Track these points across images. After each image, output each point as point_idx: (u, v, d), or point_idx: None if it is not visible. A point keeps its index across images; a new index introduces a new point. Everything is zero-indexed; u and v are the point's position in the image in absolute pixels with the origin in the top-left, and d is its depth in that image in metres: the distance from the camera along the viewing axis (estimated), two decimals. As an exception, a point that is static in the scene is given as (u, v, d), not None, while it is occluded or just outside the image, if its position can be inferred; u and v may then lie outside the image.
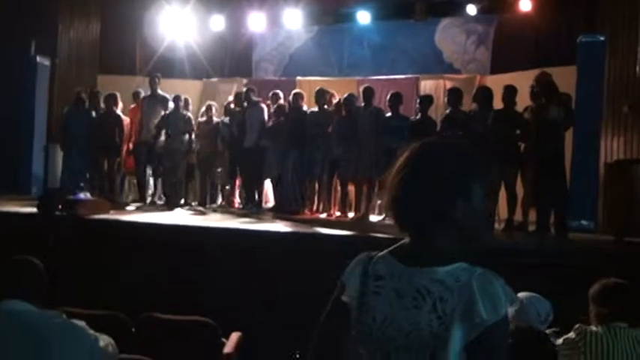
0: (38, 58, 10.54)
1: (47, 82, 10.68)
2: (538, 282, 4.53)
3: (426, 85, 10.77)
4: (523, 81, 7.43)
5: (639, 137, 7.82)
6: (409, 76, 11.21)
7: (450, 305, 1.52)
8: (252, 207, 8.77)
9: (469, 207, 1.59)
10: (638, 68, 7.91)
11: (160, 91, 9.48)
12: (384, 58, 11.99)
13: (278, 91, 9.16)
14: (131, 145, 9.61)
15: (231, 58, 13.12)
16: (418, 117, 7.80)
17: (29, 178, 9.87)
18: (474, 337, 1.49)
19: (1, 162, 9.81)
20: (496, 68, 11.03)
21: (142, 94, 9.73)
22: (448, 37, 11.71)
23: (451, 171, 1.60)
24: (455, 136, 6.88)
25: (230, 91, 11.47)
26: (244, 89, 9.50)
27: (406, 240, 1.66)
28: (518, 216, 7.05)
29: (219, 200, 9.74)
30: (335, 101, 8.54)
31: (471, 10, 10.85)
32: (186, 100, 9.67)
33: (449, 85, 10.52)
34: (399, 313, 1.57)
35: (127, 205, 9.06)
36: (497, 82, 8.43)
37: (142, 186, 9.60)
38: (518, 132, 6.94)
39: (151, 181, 9.81)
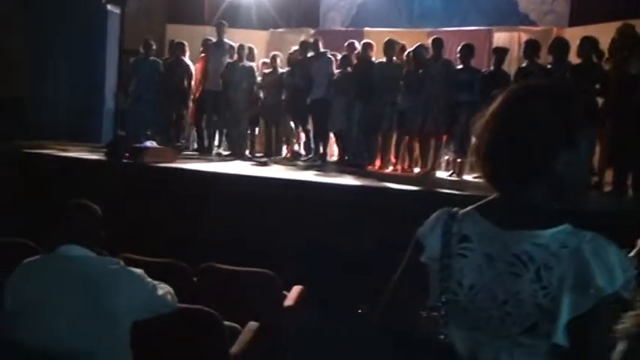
0: (109, 7, 10.61)
1: (117, 31, 10.75)
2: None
3: (500, 38, 10.32)
4: (604, 34, 6.97)
5: None
6: (482, 27, 10.78)
7: (556, 274, 1.36)
8: (317, 159, 8.68)
9: (573, 159, 1.40)
10: None
11: (226, 40, 9.42)
12: (456, 8, 11.60)
13: (354, 41, 8.87)
14: (197, 95, 9.60)
15: (299, 7, 12.92)
16: (491, 69, 7.49)
17: (100, 126, 10.06)
18: (586, 310, 1.32)
19: (73, 109, 10.03)
20: (575, 20, 10.49)
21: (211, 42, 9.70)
22: (525, -15, 11.19)
23: (554, 117, 1.41)
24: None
25: (297, 41, 11.32)
26: (311, 39, 9.32)
27: (495, 196, 1.50)
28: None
29: (284, 152, 9.68)
30: (405, 53, 8.25)
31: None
32: (251, 50, 9.57)
33: (524, 37, 10.04)
34: (491, 280, 1.42)
35: (192, 154, 9.12)
36: (576, 35, 7.95)
37: (201, 136, 9.63)
38: (597, 86, 6.56)
39: (209, 131, 9.79)
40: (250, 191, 5.90)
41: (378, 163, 8.27)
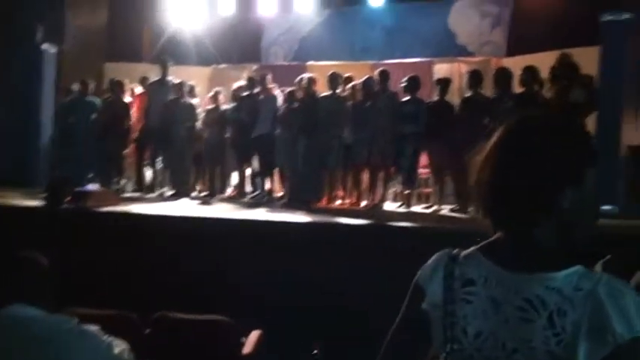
0: (44, 46, 10.35)
1: (54, 70, 10.50)
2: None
3: (440, 69, 10.49)
4: (541, 63, 7.16)
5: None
6: (423, 59, 10.95)
7: (570, 319, 1.26)
8: (263, 197, 8.57)
9: (580, 196, 1.33)
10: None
11: (169, 77, 9.27)
12: (397, 41, 11.74)
13: (304, 76, 8.82)
14: (137, 133, 9.38)
15: (240, 43, 12.87)
16: (435, 100, 7.57)
17: (36, 170, 9.68)
18: (603, 358, 1.24)
19: (7, 153, 9.65)
20: (512, 50, 10.77)
21: (150, 80, 9.52)
22: (462, 18, 11.46)
23: (561, 153, 1.34)
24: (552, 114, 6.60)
25: (239, 77, 11.23)
26: (257, 74, 9.23)
27: (499, 236, 1.41)
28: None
29: (229, 190, 9.50)
30: (349, 85, 8.25)
31: (487, -10, 10.57)
32: (191, 87, 9.44)
33: (464, 68, 10.26)
34: (499, 326, 1.33)
35: (134, 195, 8.87)
36: (514, 65, 8.14)
37: (141, 176, 9.41)
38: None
39: (151, 170, 9.55)
40: (199, 232, 5.72)
41: (325, 197, 8.19)
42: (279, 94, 8.71)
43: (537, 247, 1.36)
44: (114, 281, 5.07)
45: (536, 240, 1.36)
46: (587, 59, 7.11)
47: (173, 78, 9.27)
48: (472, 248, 1.44)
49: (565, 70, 6.50)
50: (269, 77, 8.91)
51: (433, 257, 1.49)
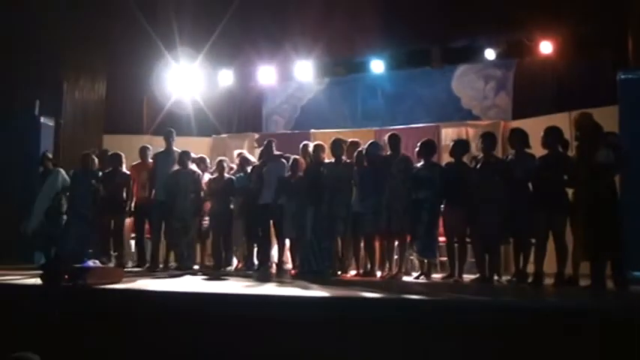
0: (42, 119, 10.17)
1: (52, 143, 10.25)
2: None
3: (448, 133, 10.34)
4: (550, 125, 6.92)
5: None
6: (429, 124, 10.81)
7: None
8: (266, 269, 8.27)
9: None
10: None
11: (175, 148, 9.04)
12: (400, 107, 11.67)
13: (308, 142, 8.68)
14: (136, 204, 9.09)
15: (240, 112, 12.82)
16: (452, 163, 7.31)
17: (32, 245, 9.24)
18: None
19: (4, 228, 9.27)
20: (518, 113, 10.64)
21: (149, 150, 9.27)
22: (466, 83, 11.40)
23: None
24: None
25: (241, 146, 11.09)
26: (265, 141, 8.97)
27: None
28: (568, 269, 6.43)
29: (235, 262, 9.10)
30: (357, 151, 7.98)
31: (490, 54, 10.50)
32: (202, 159, 9.24)
33: (471, 132, 10.10)
34: None
35: (136, 270, 8.47)
36: (524, 127, 7.93)
37: (143, 249, 9.06)
38: (565, 177, 6.39)
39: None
40: (209, 310, 5.29)
41: (337, 269, 7.79)
42: (285, 163, 8.46)
43: None
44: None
45: None
46: (600, 118, 6.85)
47: (178, 149, 9.05)
48: None
49: (588, 130, 6.23)
50: (274, 144, 8.68)
51: None
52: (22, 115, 10.00)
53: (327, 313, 5.17)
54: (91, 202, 8.82)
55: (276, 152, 8.62)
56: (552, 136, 6.49)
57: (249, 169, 8.86)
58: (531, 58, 10.49)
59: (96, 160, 9.12)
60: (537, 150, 6.71)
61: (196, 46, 11.59)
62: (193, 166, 9.02)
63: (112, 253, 8.86)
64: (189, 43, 11.67)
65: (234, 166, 9.19)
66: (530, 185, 6.59)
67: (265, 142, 8.85)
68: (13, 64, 10.21)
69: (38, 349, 3.16)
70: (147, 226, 9.09)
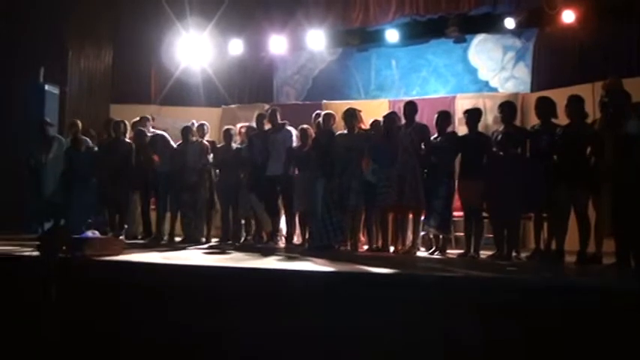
0: (47, 87, 9.92)
1: (57, 112, 10.01)
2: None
3: (464, 105, 9.91)
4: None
5: None
6: (445, 95, 10.45)
7: None
8: (276, 243, 8.08)
9: None
10: None
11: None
12: (414, 78, 11.36)
13: (320, 111, 8.38)
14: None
15: (251, 83, 12.49)
16: (468, 133, 6.97)
17: (35, 214, 9.04)
18: None
19: (7, 197, 9.08)
20: (537, 85, 10.26)
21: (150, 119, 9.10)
22: (483, 53, 11.02)
23: None
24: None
25: (251, 117, 10.76)
26: (269, 110, 8.68)
27: None
28: (591, 247, 6.11)
29: (244, 236, 8.84)
30: (372, 121, 7.66)
31: (509, 24, 10.07)
32: (201, 127, 8.87)
33: (489, 103, 9.74)
34: None
35: (139, 242, 8.27)
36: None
37: (148, 221, 8.85)
38: (589, 149, 6.04)
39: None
40: (210, 285, 5.03)
41: (349, 242, 7.51)
42: (292, 131, 8.17)
43: None
44: (119, 343, 4.40)
45: None
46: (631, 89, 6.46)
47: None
48: None
49: (618, 95, 5.85)
50: (279, 113, 8.38)
51: None
52: (26, 83, 9.82)
53: (339, 288, 4.92)
54: (93, 169, 8.64)
55: (280, 121, 8.32)
56: (576, 104, 6.12)
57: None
58: (552, 27, 10.04)
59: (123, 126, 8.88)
60: (562, 122, 6.37)
61: (206, 14, 11.25)
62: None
63: (125, 225, 8.69)
64: (199, 10, 11.34)
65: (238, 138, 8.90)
66: (555, 158, 6.25)
67: (269, 111, 8.54)
68: (17, 31, 9.96)
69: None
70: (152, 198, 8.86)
